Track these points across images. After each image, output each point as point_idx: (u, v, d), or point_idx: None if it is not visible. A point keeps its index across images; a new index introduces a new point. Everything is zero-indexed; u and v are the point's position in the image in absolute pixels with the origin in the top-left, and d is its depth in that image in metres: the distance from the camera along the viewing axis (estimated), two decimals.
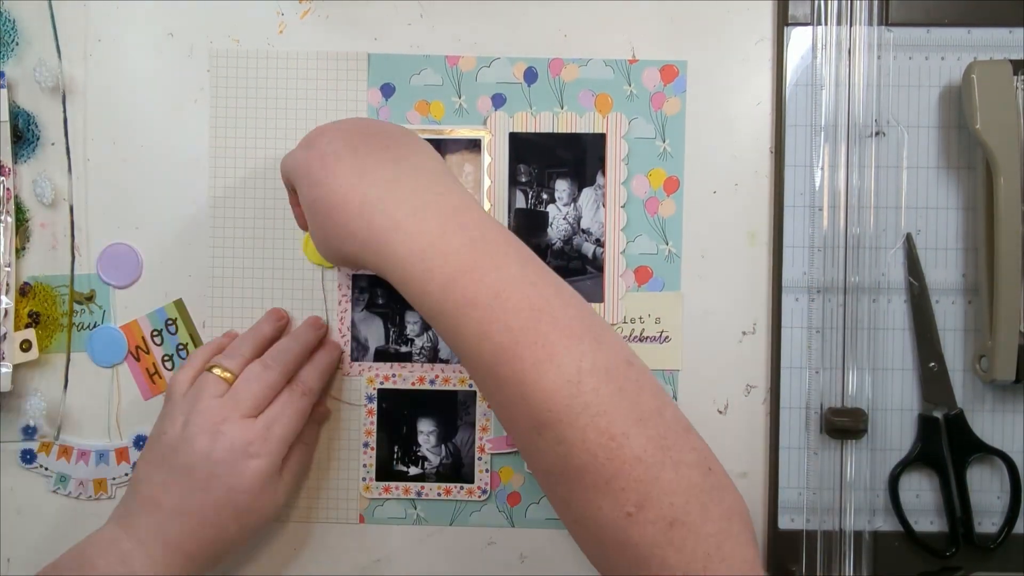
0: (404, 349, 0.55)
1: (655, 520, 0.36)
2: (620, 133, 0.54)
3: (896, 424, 0.54)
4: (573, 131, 0.54)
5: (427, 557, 0.55)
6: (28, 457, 0.55)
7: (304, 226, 0.50)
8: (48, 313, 0.54)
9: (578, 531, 0.41)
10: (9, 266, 0.53)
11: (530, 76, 0.54)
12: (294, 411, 0.48)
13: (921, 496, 0.55)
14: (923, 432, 0.54)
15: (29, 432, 0.54)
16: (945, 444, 0.54)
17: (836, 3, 0.54)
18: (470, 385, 0.54)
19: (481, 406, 0.54)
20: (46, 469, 0.55)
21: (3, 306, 0.53)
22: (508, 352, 0.38)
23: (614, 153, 0.54)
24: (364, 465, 0.54)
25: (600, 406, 0.37)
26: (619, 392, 0.38)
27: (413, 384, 0.54)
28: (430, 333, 0.54)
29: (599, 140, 0.54)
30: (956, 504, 0.54)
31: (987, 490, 0.54)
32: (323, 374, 0.52)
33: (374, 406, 0.54)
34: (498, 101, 0.54)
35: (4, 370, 0.52)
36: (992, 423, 0.54)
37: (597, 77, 0.54)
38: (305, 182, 0.44)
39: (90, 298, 0.55)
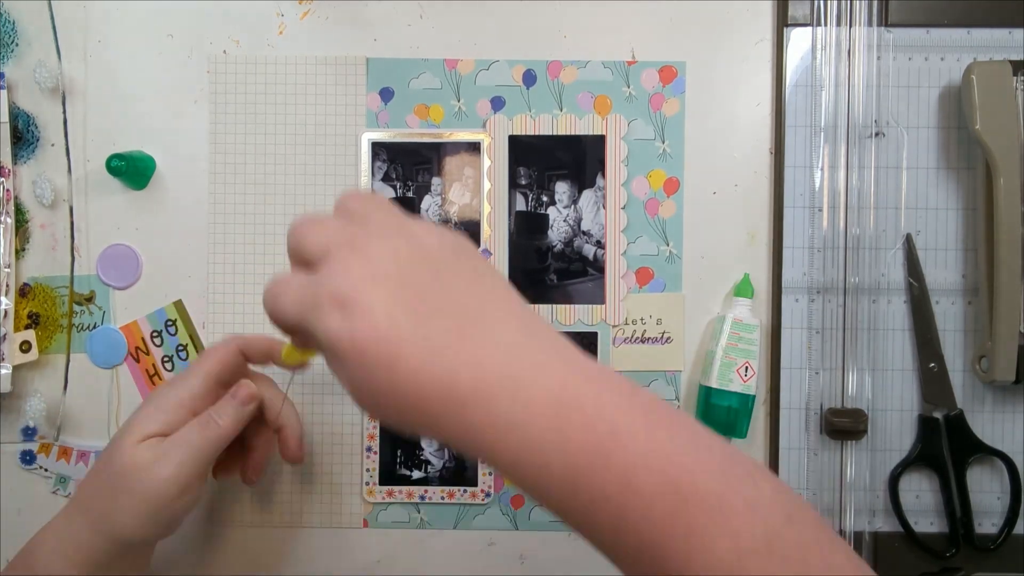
0: None
1: None
2: (620, 134, 0.54)
3: (896, 425, 0.54)
4: (572, 133, 0.54)
5: (427, 557, 0.55)
6: (28, 458, 0.55)
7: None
8: (48, 314, 0.54)
9: None
10: (9, 267, 0.53)
11: (529, 79, 0.54)
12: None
13: (921, 497, 0.55)
14: (923, 433, 0.54)
15: (29, 433, 0.54)
16: (945, 445, 0.54)
17: (836, 4, 0.54)
18: None
19: None
20: (46, 470, 0.55)
21: (3, 307, 0.53)
22: (653, 545, 0.32)
23: (614, 155, 0.54)
24: (367, 470, 0.54)
25: None
26: (783, 561, 0.32)
27: None
28: None
29: (599, 142, 0.54)
30: (956, 505, 0.54)
31: (987, 491, 0.54)
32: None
33: None
34: (497, 104, 0.54)
35: (4, 371, 0.52)
36: (992, 423, 0.54)
37: (596, 79, 0.54)
38: (358, 364, 0.32)
39: (90, 299, 0.55)
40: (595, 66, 0.54)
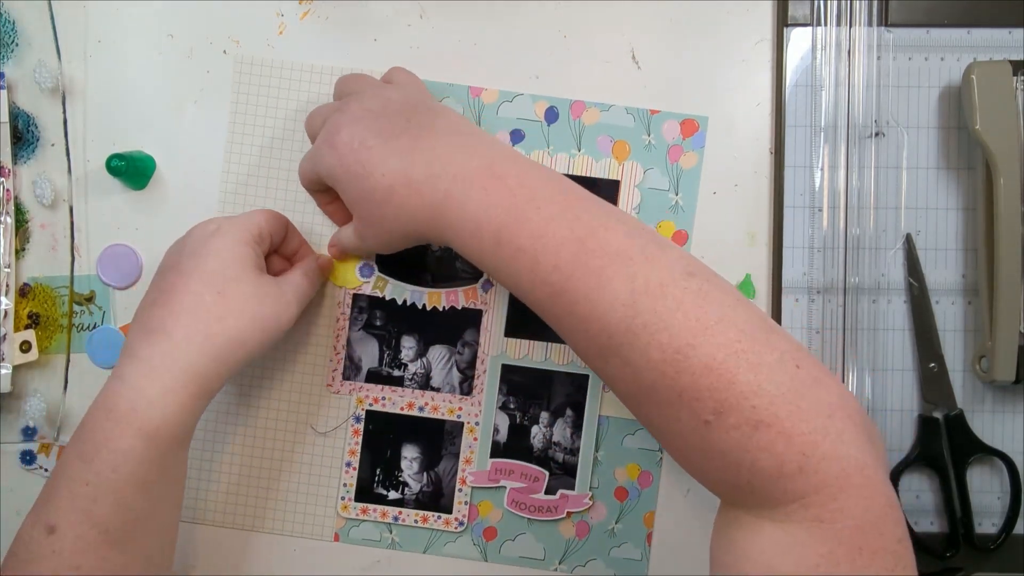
0: (397, 373, 0.54)
1: (737, 425, 0.36)
2: (634, 182, 0.54)
3: (896, 425, 0.54)
4: (588, 175, 0.54)
5: None
6: (28, 458, 0.55)
7: (341, 221, 0.52)
8: (48, 314, 0.54)
9: (665, 443, 0.41)
10: (9, 267, 0.53)
11: (551, 115, 0.54)
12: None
13: (921, 497, 0.55)
14: (923, 433, 0.54)
15: (29, 433, 0.54)
16: (945, 445, 0.54)
17: (836, 4, 0.54)
18: (458, 416, 0.54)
19: (467, 438, 0.54)
20: (46, 470, 0.55)
21: (3, 307, 0.53)
22: (560, 289, 0.39)
23: (626, 201, 0.54)
24: (344, 484, 0.54)
25: (659, 323, 0.37)
26: (678, 306, 0.37)
27: (402, 409, 0.54)
28: (424, 360, 0.54)
29: (612, 187, 0.54)
30: (956, 505, 0.54)
31: (987, 491, 0.54)
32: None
33: (361, 427, 0.54)
34: (516, 136, 0.54)
35: (4, 371, 0.52)
36: (992, 423, 0.54)
37: (617, 123, 0.54)
38: (347, 179, 0.45)
39: (90, 299, 0.55)
40: (618, 111, 0.54)
